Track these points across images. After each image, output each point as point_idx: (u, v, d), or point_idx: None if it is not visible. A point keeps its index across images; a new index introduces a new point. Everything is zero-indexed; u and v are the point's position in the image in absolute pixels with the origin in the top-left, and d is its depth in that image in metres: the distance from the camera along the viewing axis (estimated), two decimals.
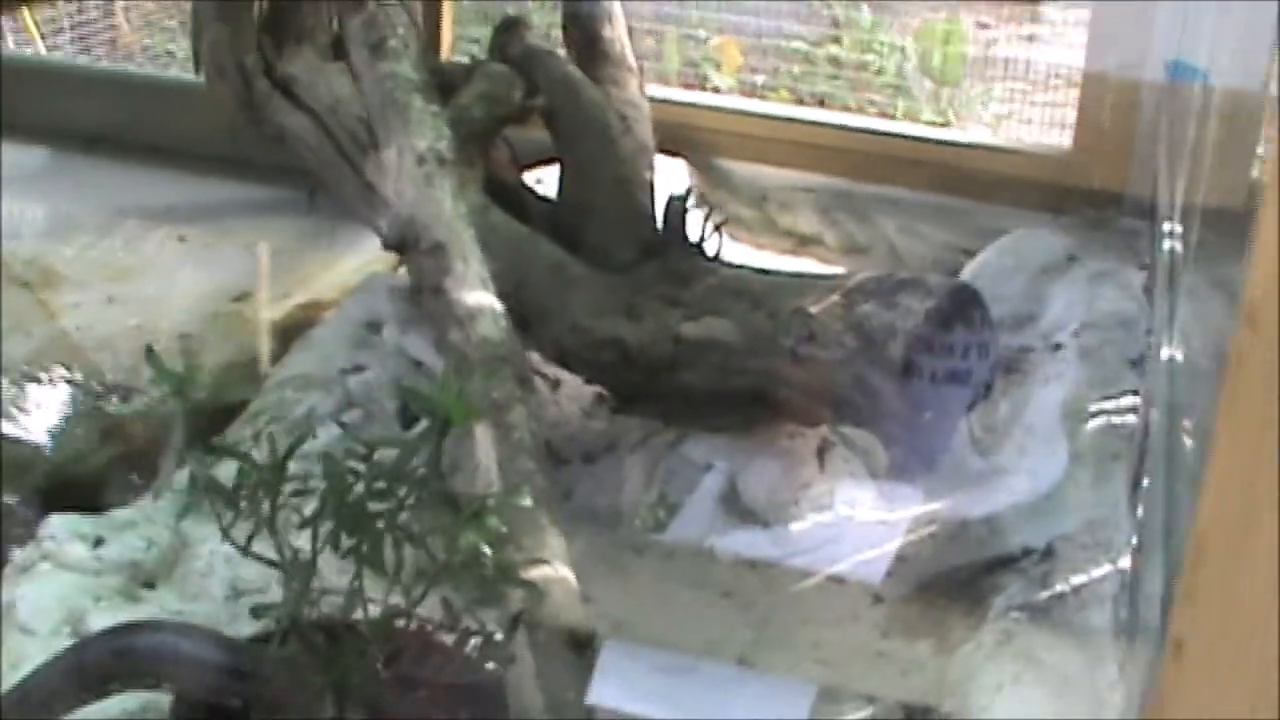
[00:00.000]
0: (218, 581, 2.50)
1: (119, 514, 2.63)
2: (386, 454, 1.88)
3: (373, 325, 3.21)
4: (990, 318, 2.66)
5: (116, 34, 5.38)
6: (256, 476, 1.81)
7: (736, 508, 2.83)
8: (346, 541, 1.87)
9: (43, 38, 5.12)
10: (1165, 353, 2.57)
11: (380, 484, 1.86)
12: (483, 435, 2.16)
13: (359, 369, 3.02)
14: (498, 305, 2.40)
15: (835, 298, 2.64)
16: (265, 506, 1.84)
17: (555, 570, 2.06)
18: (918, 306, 2.58)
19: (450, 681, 1.96)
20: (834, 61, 5.98)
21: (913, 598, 2.66)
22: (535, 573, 1.98)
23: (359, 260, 3.83)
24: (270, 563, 1.86)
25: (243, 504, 1.82)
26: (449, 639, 1.98)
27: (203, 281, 3.82)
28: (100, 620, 2.31)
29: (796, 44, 6.15)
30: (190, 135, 4.25)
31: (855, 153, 3.85)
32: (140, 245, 4.03)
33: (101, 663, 2.01)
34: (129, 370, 3.39)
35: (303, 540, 1.90)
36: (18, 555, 2.52)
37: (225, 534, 1.84)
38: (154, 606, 2.50)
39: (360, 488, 1.86)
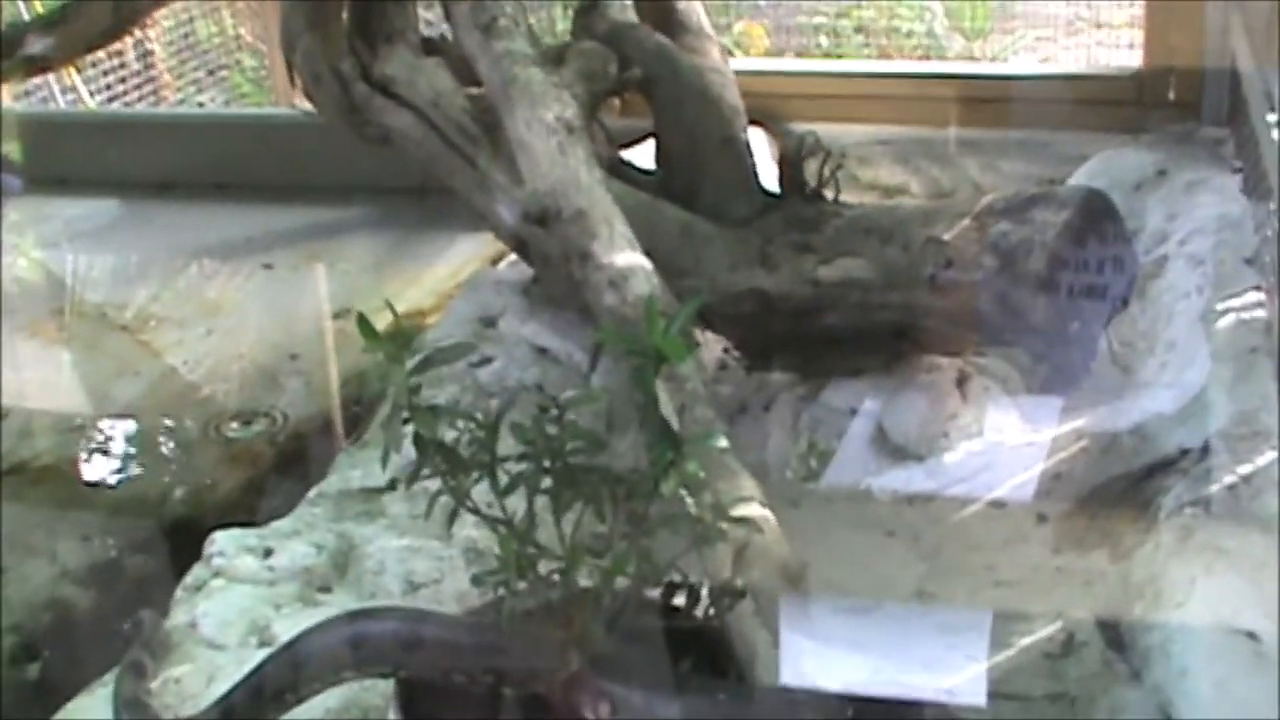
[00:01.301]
0: (392, 578, 2.51)
1: (280, 524, 2.64)
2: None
3: (487, 320, 3.21)
4: (1124, 225, 2.67)
5: (157, 85, 5.40)
6: (477, 434, 1.81)
7: (886, 447, 2.84)
8: (563, 498, 1.86)
9: (92, 94, 5.15)
10: None
11: (592, 437, 1.85)
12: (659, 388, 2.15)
13: (486, 361, 3.01)
14: (647, 264, 2.42)
15: (967, 221, 2.65)
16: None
17: (759, 509, 2.06)
18: (1053, 219, 2.59)
19: (679, 629, 1.97)
20: (861, 30, 5.98)
21: (1077, 512, 2.67)
22: (744, 510, 1.98)
23: (447, 267, 3.86)
24: (497, 520, 1.86)
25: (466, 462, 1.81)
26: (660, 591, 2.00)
27: (297, 305, 3.85)
28: (285, 628, 2.32)
29: (818, 19, 6.15)
30: (257, 169, 4.27)
31: (925, 99, 3.87)
32: (226, 279, 4.05)
33: (334, 654, 2.01)
34: (243, 396, 3.42)
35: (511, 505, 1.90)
36: (189, 576, 2.52)
37: (454, 493, 1.84)
38: (334, 609, 2.48)
39: (570, 444, 1.85)
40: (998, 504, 2.70)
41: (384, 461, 1.80)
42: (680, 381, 2.23)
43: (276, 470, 3.12)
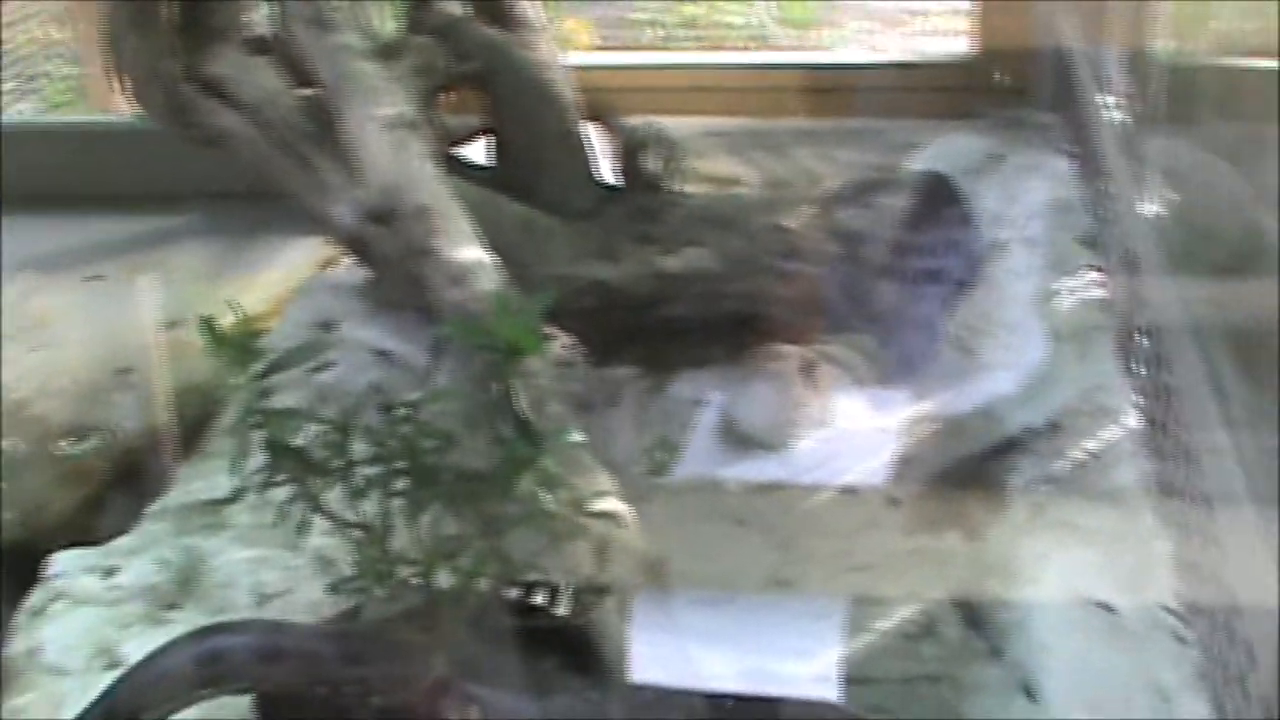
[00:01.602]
0: (241, 591, 2.45)
1: (121, 542, 2.57)
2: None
3: (324, 325, 3.16)
4: (967, 208, 2.69)
5: None
6: (331, 437, 1.76)
7: (735, 438, 2.83)
8: (418, 499, 1.82)
9: None
10: (1142, 210, 2.61)
11: (445, 435, 1.81)
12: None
13: (325, 366, 2.94)
14: (489, 260, 2.38)
15: (810, 209, 2.65)
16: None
17: (617, 504, 2.04)
18: (896, 203, 2.60)
19: (541, 628, 1.94)
20: (690, 23, 5.98)
21: (928, 495, 2.68)
22: (603, 505, 1.96)
23: (280, 273, 3.78)
24: (350, 524, 1.81)
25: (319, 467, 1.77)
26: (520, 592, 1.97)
27: (125, 317, 3.74)
28: (133, 648, 2.24)
29: (638, 15, 6.14)
30: (78, 178, 4.16)
31: (756, 90, 3.88)
32: (49, 292, 3.93)
33: (187, 671, 1.95)
34: (74, 412, 3.31)
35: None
36: (28, 601, 2.44)
37: (308, 500, 1.79)
38: (183, 626, 2.40)
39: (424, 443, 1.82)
40: (849, 490, 2.70)
41: (234, 468, 1.75)
42: (529, 378, 2.19)
43: (113, 487, 3.02)
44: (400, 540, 1.87)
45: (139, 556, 2.51)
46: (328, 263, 3.53)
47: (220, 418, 2.99)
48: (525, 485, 1.84)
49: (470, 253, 2.39)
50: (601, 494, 2.00)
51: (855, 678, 2.29)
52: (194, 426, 3.06)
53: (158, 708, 1.95)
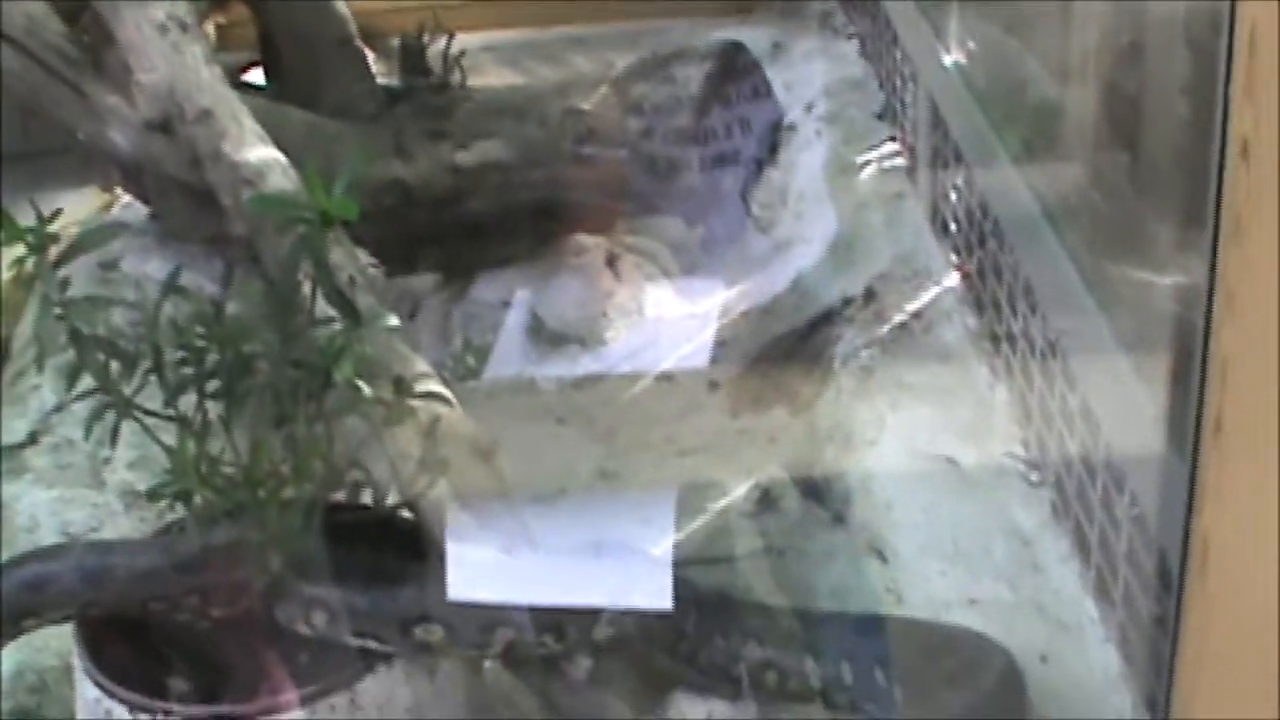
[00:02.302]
0: (47, 532, 2.31)
1: None
2: None
3: (107, 264, 2.99)
4: (764, 74, 2.61)
5: None
6: (137, 328, 1.62)
7: (545, 335, 2.73)
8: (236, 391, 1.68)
9: None
10: (948, 60, 2.55)
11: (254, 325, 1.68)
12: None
13: (112, 265, 2.82)
14: (282, 157, 2.22)
15: (604, 89, 2.55)
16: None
17: (441, 387, 1.91)
18: (694, 72, 2.52)
19: (371, 522, 1.81)
20: None
21: (749, 375, 2.61)
22: (427, 387, 1.83)
23: (57, 225, 3.57)
24: (165, 416, 1.66)
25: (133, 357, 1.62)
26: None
27: None
28: None
29: None
30: None
31: (525, 1, 3.74)
32: None
33: (16, 599, 1.79)
34: None
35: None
36: None
37: (119, 394, 1.64)
38: None
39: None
40: (666, 377, 2.62)
41: (39, 363, 1.60)
42: (336, 270, 2.05)
43: None
44: (219, 443, 1.74)
45: None
46: (106, 205, 3.35)
47: (8, 367, 2.83)
48: (346, 370, 1.70)
49: (261, 153, 2.25)
50: (424, 376, 1.87)
51: (695, 558, 2.21)
52: None
53: None
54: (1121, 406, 1.77)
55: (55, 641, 1.98)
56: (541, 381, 2.66)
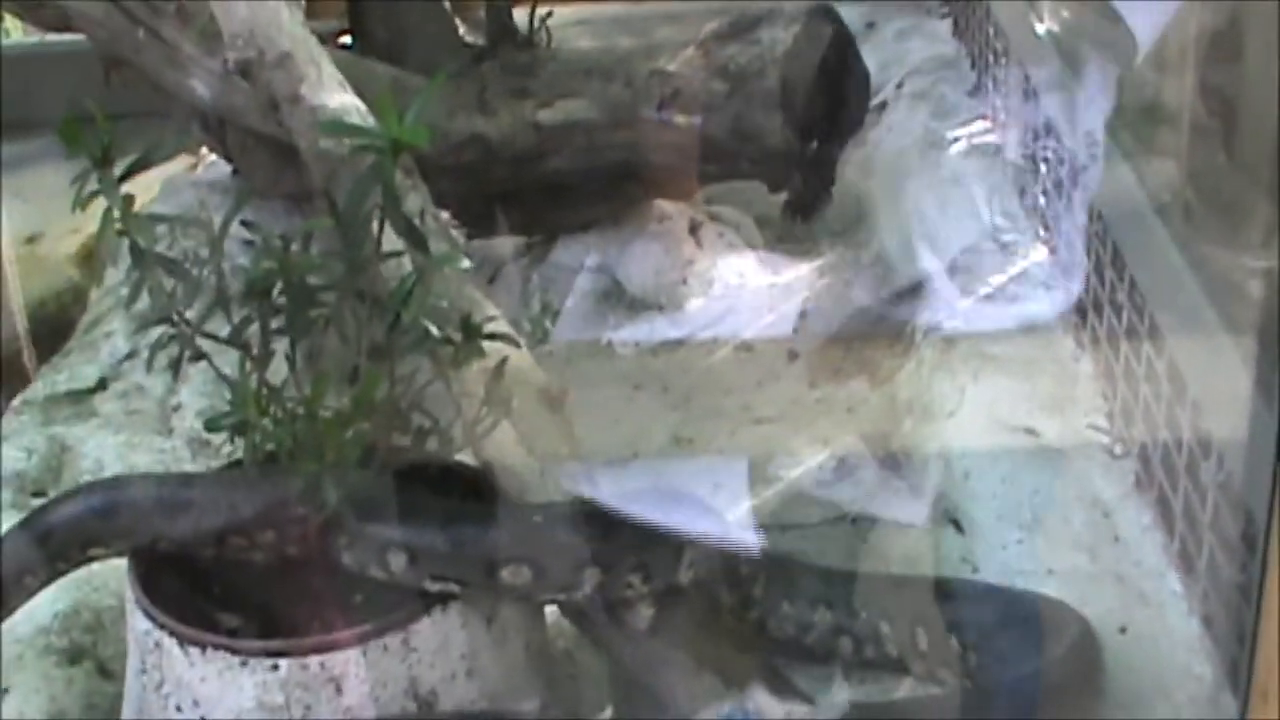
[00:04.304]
0: (112, 475, 2.26)
1: None
2: None
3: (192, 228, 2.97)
4: (853, 39, 2.55)
5: None
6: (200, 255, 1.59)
7: (623, 300, 2.69)
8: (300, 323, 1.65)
9: None
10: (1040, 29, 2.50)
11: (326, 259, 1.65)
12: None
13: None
14: (360, 103, 2.19)
15: (690, 51, 2.50)
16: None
17: (509, 329, 1.88)
18: (782, 35, 2.47)
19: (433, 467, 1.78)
20: None
21: (829, 346, 2.55)
22: (495, 328, 1.79)
23: (138, 185, 3.59)
24: (228, 342, 1.64)
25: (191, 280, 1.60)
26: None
27: None
28: None
29: None
30: None
31: None
32: None
33: (87, 524, 1.76)
34: None
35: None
36: None
37: (179, 317, 1.61)
38: None
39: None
40: (745, 347, 2.58)
41: (131, 298, 1.58)
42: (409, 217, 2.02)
43: None
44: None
45: (3, 446, 2.34)
46: (191, 167, 3.36)
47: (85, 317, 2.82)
48: (414, 307, 1.67)
49: (340, 98, 2.21)
50: (493, 319, 1.83)
51: (769, 525, 2.16)
52: (55, 330, 2.94)
53: (49, 566, 1.76)
54: (1210, 371, 1.71)
55: (114, 582, 1.96)
56: (619, 347, 2.63)
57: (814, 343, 2.56)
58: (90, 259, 3.28)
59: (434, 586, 1.70)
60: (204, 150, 3.18)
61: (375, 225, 1.69)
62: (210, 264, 1.64)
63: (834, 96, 2.48)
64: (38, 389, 2.54)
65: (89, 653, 1.97)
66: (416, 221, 1.92)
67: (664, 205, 2.73)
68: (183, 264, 1.61)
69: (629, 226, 2.72)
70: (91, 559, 1.79)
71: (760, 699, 1.64)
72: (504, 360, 1.72)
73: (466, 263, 1.87)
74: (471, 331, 1.73)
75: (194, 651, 1.66)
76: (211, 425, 1.71)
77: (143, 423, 2.39)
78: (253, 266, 1.70)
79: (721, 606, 1.89)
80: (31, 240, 3.47)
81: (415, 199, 2.06)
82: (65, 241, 3.46)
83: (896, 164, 2.84)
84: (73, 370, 2.57)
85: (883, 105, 3.12)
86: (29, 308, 2.98)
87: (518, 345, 1.79)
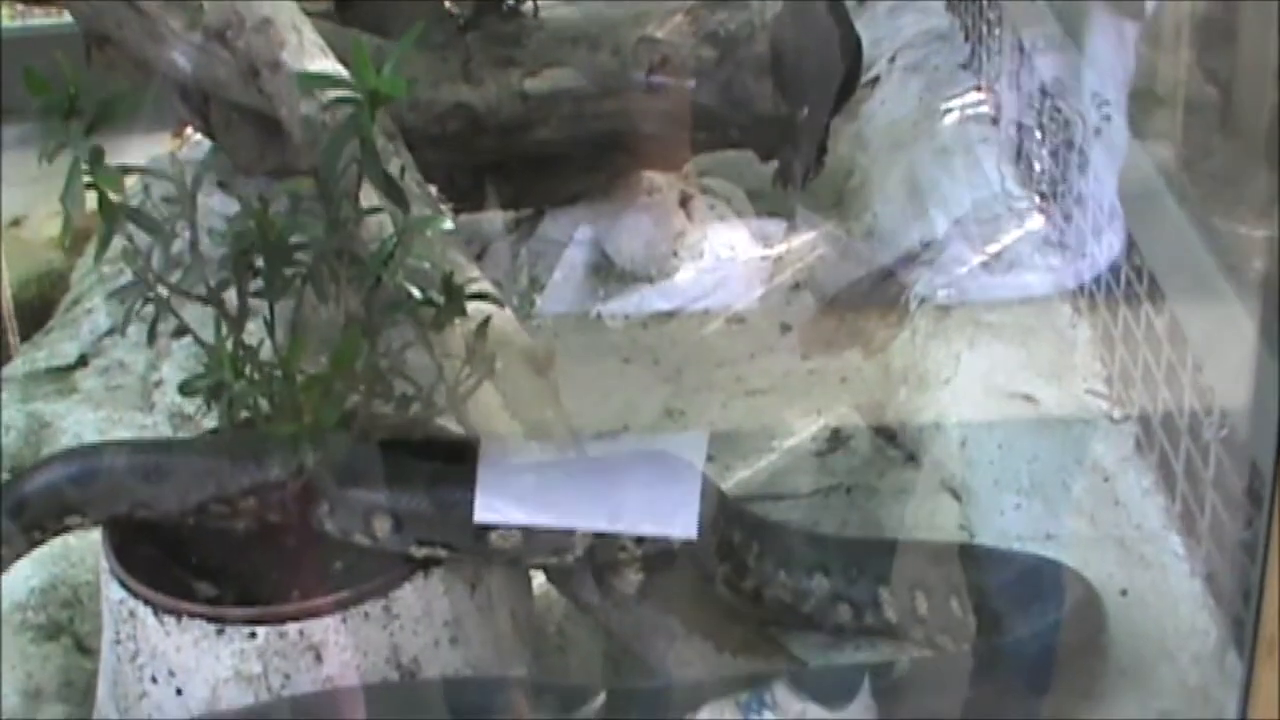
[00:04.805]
0: None
1: None
2: None
3: (171, 200, 2.93)
4: (843, 4, 2.51)
5: None
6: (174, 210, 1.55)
7: (612, 272, 2.64)
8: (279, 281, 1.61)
9: None
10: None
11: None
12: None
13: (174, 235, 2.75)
14: (342, 70, 2.14)
15: (679, 18, 2.46)
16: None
17: (493, 289, 1.83)
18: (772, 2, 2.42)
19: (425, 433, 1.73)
20: None
21: (822, 317, 2.51)
22: (479, 288, 1.74)
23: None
24: (204, 300, 1.59)
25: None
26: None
27: None
28: None
29: None
30: None
31: None
32: None
33: (61, 492, 1.72)
34: None
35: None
36: None
37: (149, 274, 1.57)
38: None
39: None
40: (737, 318, 2.54)
41: (99, 251, 1.53)
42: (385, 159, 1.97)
43: None
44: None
45: None
46: (176, 149, 3.32)
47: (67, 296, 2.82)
48: (397, 263, 1.63)
49: (321, 63, 2.17)
50: (475, 280, 1.78)
51: (763, 494, 2.13)
52: (36, 310, 2.93)
53: (22, 536, 1.72)
54: (1212, 327, 1.67)
55: (91, 557, 1.92)
56: (608, 319, 2.59)
57: (807, 314, 2.51)
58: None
59: (420, 552, 1.66)
60: (189, 130, 3.14)
61: (355, 184, 1.65)
62: (183, 217, 1.58)
63: (825, 62, 2.43)
64: (17, 366, 2.53)
65: (66, 629, 1.94)
66: (397, 167, 1.90)
67: (654, 177, 2.69)
68: (148, 215, 1.55)
69: (618, 199, 2.68)
70: (68, 528, 1.75)
71: (779, 693, 1.60)
72: (487, 319, 1.67)
73: (449, 224, 1.83)
74: (454, 292, 1.69)
75: (169, 620, 1.62)
76: (186, 388, 1.66)
77: (124, 398, 2.37)
78: (230, 227, 1.66)
79: (716, 575, 1.84)
80: (16, 224, 3.43)
81: (397, 164, 2.01)
82: (48, 225, 3.41)
83: (890, 135, 2.80)
84: (53, 347, 2.57)
85: (875, 79, 3.07)
86: (12, 290, 2.94)
87: (500, 305, 1.73)
